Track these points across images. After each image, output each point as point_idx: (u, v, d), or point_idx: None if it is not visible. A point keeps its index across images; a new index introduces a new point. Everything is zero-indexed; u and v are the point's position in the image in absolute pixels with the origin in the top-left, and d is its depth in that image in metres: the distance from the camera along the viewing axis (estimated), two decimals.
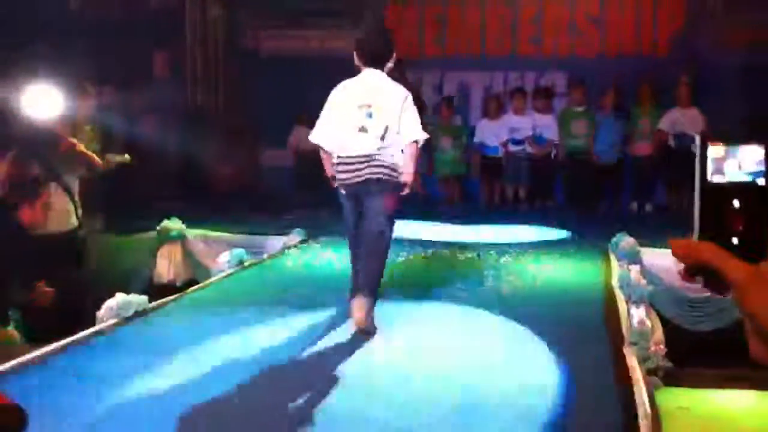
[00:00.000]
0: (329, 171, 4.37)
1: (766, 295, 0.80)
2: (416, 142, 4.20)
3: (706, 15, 9.81)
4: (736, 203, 0.85)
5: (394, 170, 4.17)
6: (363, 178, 4.14)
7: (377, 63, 4.26)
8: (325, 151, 4.33)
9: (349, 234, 4.38)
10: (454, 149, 9.55)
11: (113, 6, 9.72)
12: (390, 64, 4.31)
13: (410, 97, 4.22)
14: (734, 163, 0.87)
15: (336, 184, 4.34)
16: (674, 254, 0.86)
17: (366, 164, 4.12)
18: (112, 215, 6.59)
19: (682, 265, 0.87)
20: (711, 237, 0.84)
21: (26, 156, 5.17)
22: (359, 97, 4.20)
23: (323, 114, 4.32)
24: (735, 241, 0.84)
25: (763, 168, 0.86)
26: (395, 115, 4.14)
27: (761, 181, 0.86)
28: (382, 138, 4.12)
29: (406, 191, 4.24)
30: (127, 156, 6.13)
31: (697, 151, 0.88)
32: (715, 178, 0.87)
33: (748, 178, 0.86)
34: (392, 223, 4.27)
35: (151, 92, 8.70)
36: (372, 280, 4.11)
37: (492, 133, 9.41)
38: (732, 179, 0.86)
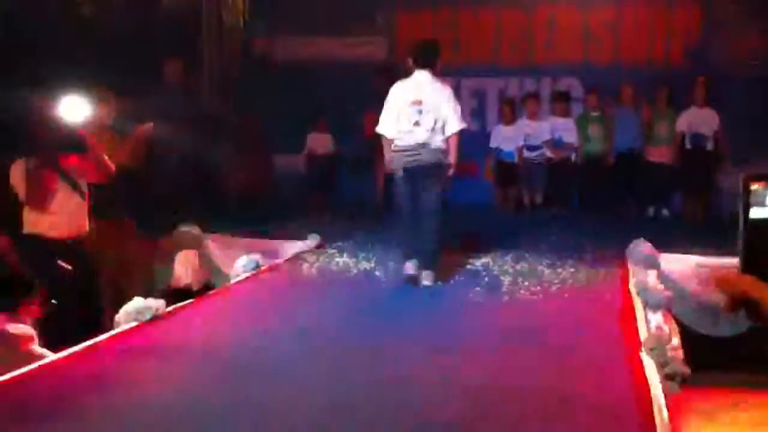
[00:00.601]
0: (387, 156, 5.49)
1: None
2: (458, 132, 5.38)
3: (721, 26, 9.76)
4: None
5: (443, 154, 5.36)
6: (421, 162, 5.29)
7: (426, 65, 5.37)
8: (387, 140, 5.45)
9: (405, 210, 5.42)
10: None
11: (126, 13, 9.76)
12: (437, 67, 5.41)
13: (452, 94, 5.41)
14: None
15: (393, 168, 5.44)
16: (718, 288, 0.89)
17: (422, 150, 5.29)
18: (130, 220, 6.61)
19: (723, 297, 0.92)
20: (754, 272, 0.87)
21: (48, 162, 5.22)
22: (412, 95, 5.32)
23: (385, 109, 5.45)
24: None
25: None
26: (442, 110, 5.29)
27: None
28: (433, 129, 5.29)
29: (451, 172, 5.45)
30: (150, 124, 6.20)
31: (740, 190, 0.89)
32: (758, 215, 0.88)
33: None
34: (443, 197, 5.39)
35: (163, 100, 8.73)
36: (433, 244, 5.32)
37: (507, 138, 9.41)
38: None
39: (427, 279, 5.33)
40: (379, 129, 5.51)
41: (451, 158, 5.41)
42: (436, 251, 5.41)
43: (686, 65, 9.68)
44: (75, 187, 5.32)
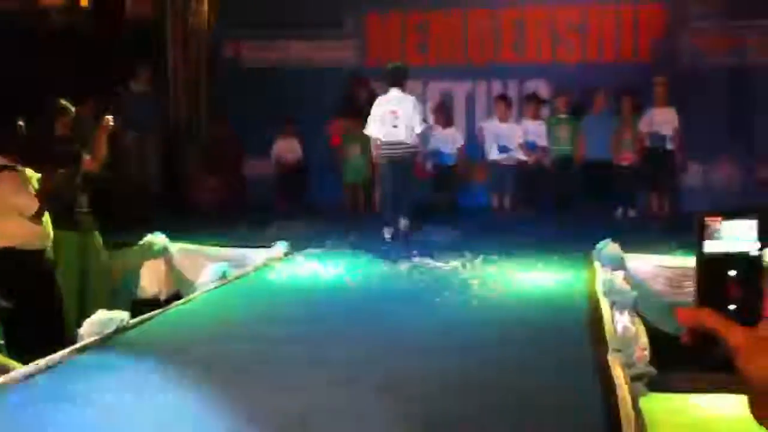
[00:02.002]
0: (375, 151, 7.55)
1: (760, 357, 0.87)
2: (422, 130, 7.61)
3: (685, 22, 9.87)
4: (731, 272, 0.92)
5: (414, 149, 7.59)
6: (398, 154, 7.34)
7: (397, 84, 7.41)
8: (374, 139, 7.43)
9: (388, 191, 7.56)
10: (362, 157, 9.61)
11: (93, 21, 9.68)
12: (405, 85, 7.50)
13: (416, 102, 7.53)
14: (729, 235, 0.93)
15: (379, 158, 7.56)
16: (680, 322, 0.92)
17: (400, 146, 7.32)
18: (95, 229, 6.54)
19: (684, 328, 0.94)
20: (710, 304, 0.91)
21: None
22: (390, 106, 7.34)
23: (371, 117, 7.42)
24: (732, 307, 0.91)
25: (755, 237, 0.93)
26: (411, 118, 7.29)
27: (754, 252, 0.92)
28: (405, 130, 7.27)
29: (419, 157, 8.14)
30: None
31: (696, 227, 0.95)
32: (711, 249, 0.93)
33: (742, 249, 0.93)
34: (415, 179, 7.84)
35: (130, 107, 8.66)
36: (408, 211, 7.38)
37: (444, 140, 9.45)
38: (728, 250, 0.93)
39: (403, 225, 7.30)
40: (368, 131, 7.47)
41: (420, 148, 8.05)
42: (409, 210, 7.43)
43: (653, 63, 9.76)
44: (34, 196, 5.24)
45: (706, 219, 0.94)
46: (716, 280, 0.92)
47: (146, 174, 9.13)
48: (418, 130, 7.40)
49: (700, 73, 9.69)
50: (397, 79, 7.42)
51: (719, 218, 0.94)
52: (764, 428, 0.89)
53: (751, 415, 0.90)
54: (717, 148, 9.56)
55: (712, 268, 0.93)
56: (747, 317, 0.90)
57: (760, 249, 0.93)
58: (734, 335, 0.88)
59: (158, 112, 9.22)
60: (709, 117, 9.37)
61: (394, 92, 7.39)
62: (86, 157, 5.83)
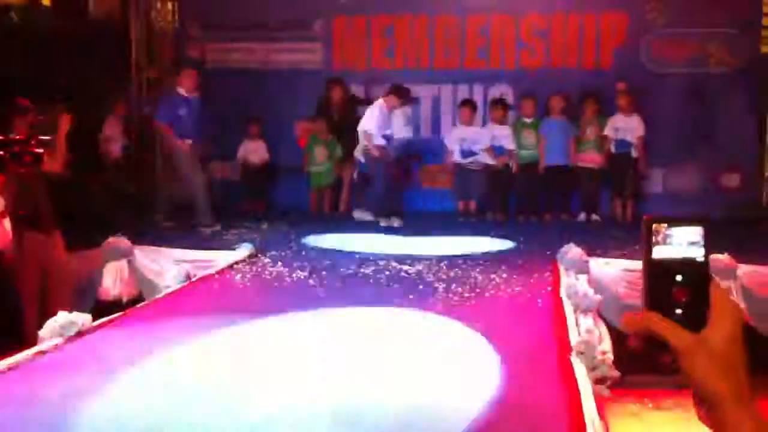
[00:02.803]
0: (376, 151, 8.70)
1: (706, 365, 0.90)
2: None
3: (647, 30, 10.01)
4: (678, 278, 0.95)
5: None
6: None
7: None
8: (372, 140, 8.65)
9: (380, 181, 8.72)
10: (328, 161, 9.73)
11: (55, 19, 9.55)
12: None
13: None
14: (676, 241, 0.96)
15: (378, 155, 8.69)
16: (625, 325, 0.95)
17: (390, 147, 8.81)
18: (56, 230, 6.44)
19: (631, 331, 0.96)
20: (657, 308, 0.94)
21: None
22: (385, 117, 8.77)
23: (372, 124, 8.67)
24: (678, 311, 0.93)
25: (701, 243, 0.96)
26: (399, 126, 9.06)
27: (700, 258, 0.95)
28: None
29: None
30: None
31: (643, 232, 0.98)
32: (659, 254, 0.96)
33: (688, 254, 0.96)
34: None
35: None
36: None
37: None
38: (674, 255, 0.96)
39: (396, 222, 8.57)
40: (369, 130, 8.64)
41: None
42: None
43: (615, 70, 9.89)
44: None
45: (653, 225, 0.96)
46: (663, 285, 0.95)
47: (198, 180, 8.75)
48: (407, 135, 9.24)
49: (662, 80, 9.85)
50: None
51: (666, 224, 0.96)
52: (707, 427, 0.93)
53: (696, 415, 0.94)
54: (679, 155, 9.70)
55: (659, 272, 0.95)
56: (693, 322, 0.92)
57: (705, 256, 0.95)
58: (678, 338, 0.91)
59: (205, 119, 8.91)
60: (671, 124, 9.53)
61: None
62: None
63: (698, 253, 0.95)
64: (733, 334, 0.92)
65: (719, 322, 0.92)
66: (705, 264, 0.95)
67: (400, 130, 9.12)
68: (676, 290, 0.94)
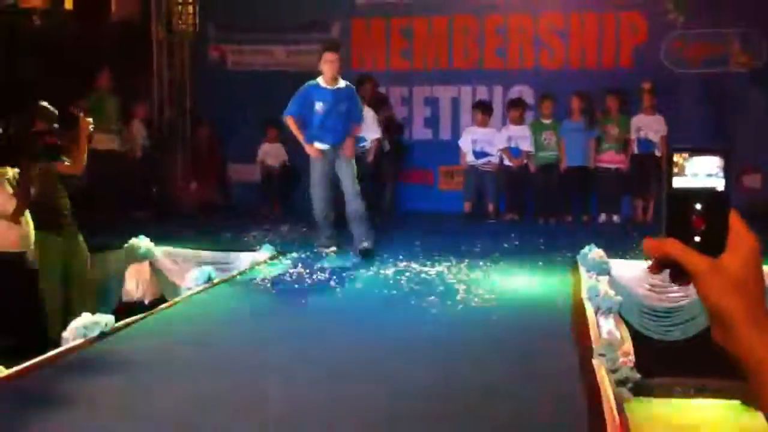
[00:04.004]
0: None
1: (721, 285, 0.93)
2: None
3: (667, 29, 9.95)
4: (698, 206, 0.96)
5: None
6: None
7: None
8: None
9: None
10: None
11: (74, 22, 9.64)
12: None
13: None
14: (696, 171, 0.98)
15: None
16: (645, 250, 0.97)
17: None
18: (79, 232, 6.51)
19: (650, 262, 0.99)
20: (676, 236, 0.96)
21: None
22: None
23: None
24: (697, 239, 0.95)
25: (721, 174, 0.98)
26: None
27: (720, 186, 0.98)
28: None
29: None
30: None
31: (663, 160, 1.00)
32: (679, 184, 0.98)
33: (708, 184, 0.98)
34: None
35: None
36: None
37: None
38: (694, 185, 0.98)
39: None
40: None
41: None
42: None
43: (635, 70, 9.84)
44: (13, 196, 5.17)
45: (674, 154, 0.99)
46: (683, 214, 0.97)
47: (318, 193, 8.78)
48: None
49: (682, 80, 9.79)
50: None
51: (687, 154, 0.99)
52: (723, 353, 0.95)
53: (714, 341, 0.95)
54: (699, 153, 9.63)
55: (679, 201, 0.97)
56: (711, 249, 0.94)
57: (726, 185, 0.97)
58: (696, 263, 0.94)
59: (352, 116, 8.64)
60: (691, 124, 9.46)
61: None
62: (66, 162, 5.60)
63: (718, 183, 0.98)
64: (749, 259, 0.94)
65: (737, 248, 0.94)
66: (724, 193, 0.97)
67: (368, 131, 8.39)
68: (695, 218, 0.96)
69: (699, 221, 0.95)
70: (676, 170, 0.98)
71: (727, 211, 0.96)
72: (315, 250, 6.85)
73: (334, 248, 6.84)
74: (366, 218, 6.73)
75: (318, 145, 6.65)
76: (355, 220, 6.66)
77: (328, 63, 6.58)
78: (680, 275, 0.96)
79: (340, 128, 6.66)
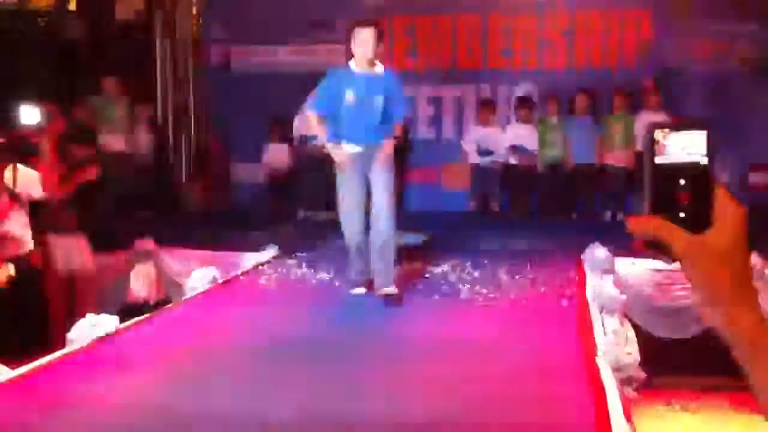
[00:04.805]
0: None
1: (707, 261, 0.92)
2: None
3: (672, 27, 9.93)
4: (682, 182, 0.96)
5: None
6: None
7: None
8: None
9: None
10: None
11: (80, 25, 9.67)
12: None
13: None
14: (680, 146, 0.97)
15: None
16: (630, 229, 0.97)
17: None
18: (82, 232, 6.52)
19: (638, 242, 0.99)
20: (660, 213, 0.95)
21: None
22: None
23: None
24: (682, 215, 0.95)
25: (705, 150, 0.97)
26: None
27: (704, 161, 0.96)
28: None
29: None
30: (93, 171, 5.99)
31: (645, 136, 0.99)
32: (663, 160, 0.97)
33: (692, 159, 0.97)
34: None
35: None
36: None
37: None
38: (678, 160, 0.97)
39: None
40: None
41: None
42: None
43: (640, 68, 9.83)
44: (24, 204, 5.14)
45: (656, 130, 0.98)
46: (666, 190, 0.96)
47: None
48: None
49: (687, 77, 9.76)
50: None
51: (668, 130, 0.98)
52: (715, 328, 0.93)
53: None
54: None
55: (662, 178, 0.97)
56: (696, 224, 0.93)
57: (708, 160, 0.96)
58: (681, 240, 0.93)
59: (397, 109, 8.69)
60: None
61: None
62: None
63: (701, 157, 0.97)
64: (735, 234, 0.93)
65: (722, 223, 0.93)
66: (708, 167, 0.96)
67: None
68: (679, 194, 0.95)
69: (683, 197, 0.95)
70: (658, 146, 0.97)
71: (712, 185, 0.95)
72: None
73: (363, 289, 5.35)
74: (393, 248, 5.19)
75: (347, 146, 5.20)
76: (380, 250, 5.12)
77: (360, 42, 5.10)
78: (666, 252, 0.95)
79: (376, 125, 5.16)
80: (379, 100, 5.12)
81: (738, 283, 0.92)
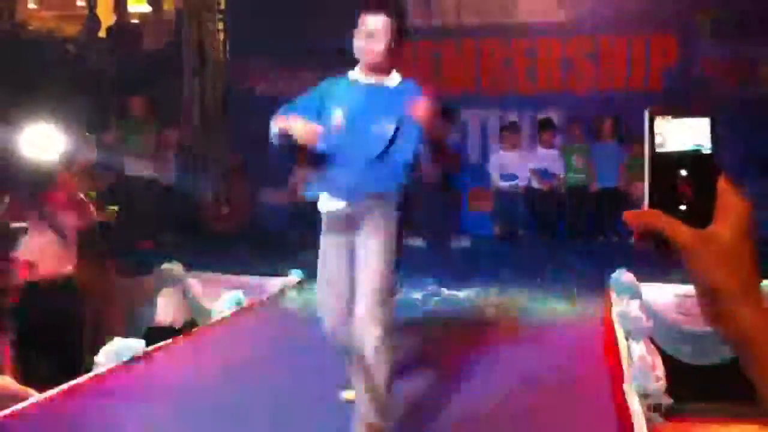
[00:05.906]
0: None
1: (710, 258, 0.87)
2: None
3: (697, 52, 9.90)
4: (683, 172, 0.90)
5: None
6: None
7: None
8: None
9: None
10: None
11: (109, 51, 9.82)
12: None
13: None
14: (681, 134, 0.91)
15: None
16: (626, 222, 0.91)
17: None
18: (110, 258, 6.58)
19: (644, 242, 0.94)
20: (661, 205, 0.90)
21: (22, 199, 5.13)
22: None
23: None
24: (683, 207, 0.89)
25: (708, 138, 0.91)
26: None
27: (707, 150, 0.90)
28: None
29: None
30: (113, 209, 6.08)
31: (645, 124, 0.92)
32: (662, 149, 0.91)
33: (694, 148, 0.91)
34: None
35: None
36: None
37: None
38: (679, 149, 0.91)
39: None
40: None
41: None
42: None
43: (665, 92, 9.79)
44: (56, 225, 5.23)
45: (656, 116, 0.92)
46: (667, 180, 0.90)
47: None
48: None
49: (713, 102, 9.71)
50: None
51: (670, 116, 0.92)
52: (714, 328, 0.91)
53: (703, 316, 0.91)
54: (732, 178, 9.52)
55: (662, 167, 0.91)
56: (698, 217, 0.88)
57: (712, 148, 0.91)
58: (682, 235, 0.88)
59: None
60: (727, 145, 9.34)
61: None
62: None
63: (705, 146, 0.91)
64: (739, 228, 0.88)
65: (725, 216, 0.88)
66: (711, 156, 0.90)
67: None
68: (680, 185, 0.90)
69: (685, 188, 0.89)
70: (658, 132, 0.91)
71: (716, 176, 0.89)
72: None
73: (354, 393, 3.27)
74: (382, 360, 3.05)
75: (329, 200, 3.35)
76: (360, 361, 3.08)
77: (364, 35, 3.31)
78: (665, 247, 0.90)
79: (376, 164, 3.20)
80: (384, 128, 3.19)
81: (744, 283, 0.87)
